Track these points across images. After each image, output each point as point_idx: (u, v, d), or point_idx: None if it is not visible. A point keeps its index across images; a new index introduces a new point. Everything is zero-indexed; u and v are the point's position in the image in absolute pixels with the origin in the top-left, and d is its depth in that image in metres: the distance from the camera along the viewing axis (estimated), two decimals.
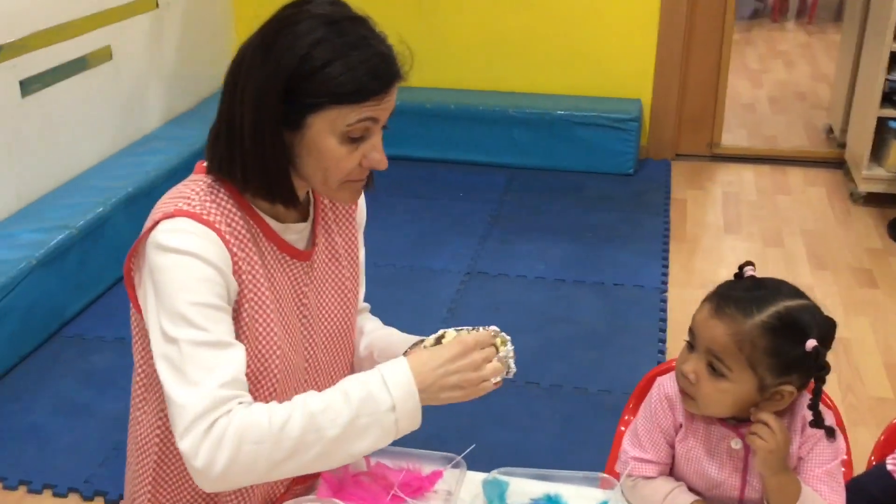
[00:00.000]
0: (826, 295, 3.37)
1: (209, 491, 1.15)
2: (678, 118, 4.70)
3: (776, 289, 1.35)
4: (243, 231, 1.23)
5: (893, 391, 2.77)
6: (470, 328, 1.33)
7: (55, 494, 2.38)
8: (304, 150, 1.20)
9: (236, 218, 1.23)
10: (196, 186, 1.23)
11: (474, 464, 1.47)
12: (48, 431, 2.60)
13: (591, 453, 1.52)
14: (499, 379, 1.27)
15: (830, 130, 4.98)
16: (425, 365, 1.18)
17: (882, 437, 1.66)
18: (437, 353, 1.20)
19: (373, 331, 1.53)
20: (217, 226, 1.19)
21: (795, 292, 1.36)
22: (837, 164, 4.62)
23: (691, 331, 1.35)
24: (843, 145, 4.64)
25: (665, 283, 3.45)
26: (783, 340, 1.29)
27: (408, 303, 3.11)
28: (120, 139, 3.90)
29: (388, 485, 1.46)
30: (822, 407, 1.39)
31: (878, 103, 3.95)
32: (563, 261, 3.62)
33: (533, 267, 3.57)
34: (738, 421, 1.37)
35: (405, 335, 1.48)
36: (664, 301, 3.31)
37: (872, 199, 4.13)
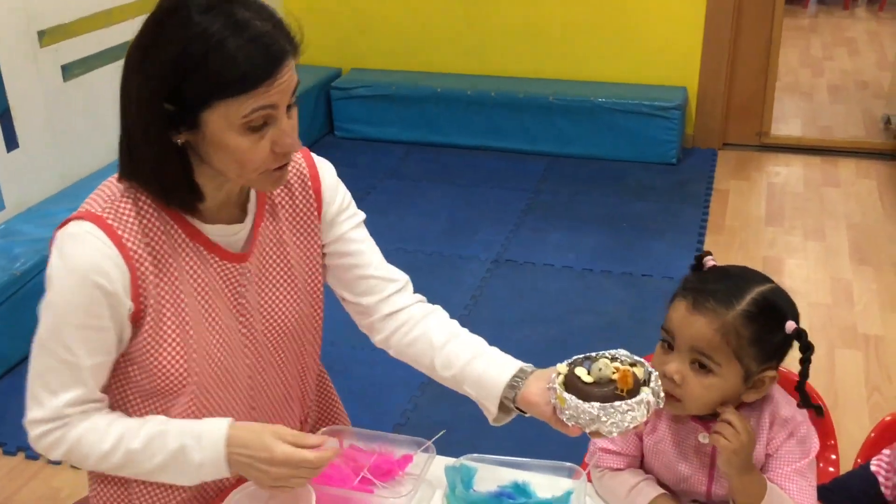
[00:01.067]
0: (864, 291, 3.26)
1: None
2: (726, 106, 4.59)
3: (745, 276, 1.33)
4: (158, 233, 1.21)
5: None
6: (599, 355, 1.26)
7: (5, 453, 2.50)
8: (210, 148, 1.15)
9: (152, 219, 1.21)
10: (113, 189, 1.21)
11: (450, 450, 1.48)
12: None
13: (559, 450, 1.51)
14: (653, 410, 1.22)
15: (888, 121, 4.79)
16: (240, 450, 1.24)
17: (872, 435, 1.61)
18: (253, 442, 1.23)
19: (447, 343, 1.41)
20: (119, 232, 1.17)
21: (762, 277, 1.34)
22: (893, 155, 4.45)
23: (668, 331, 1.32)
24: None
25: None
26: (765, 326, 1.27)
27: (430, 290, 3.07)
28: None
29: (359, 467, 1.48)
30: (784, 394, 1.36)
31: None
32: (594, 251, 3.59)
33: (562, 256, 3.54)
34: (708, 416, 1.35)
35: (496, 361, 1.37)
36: None
37: None
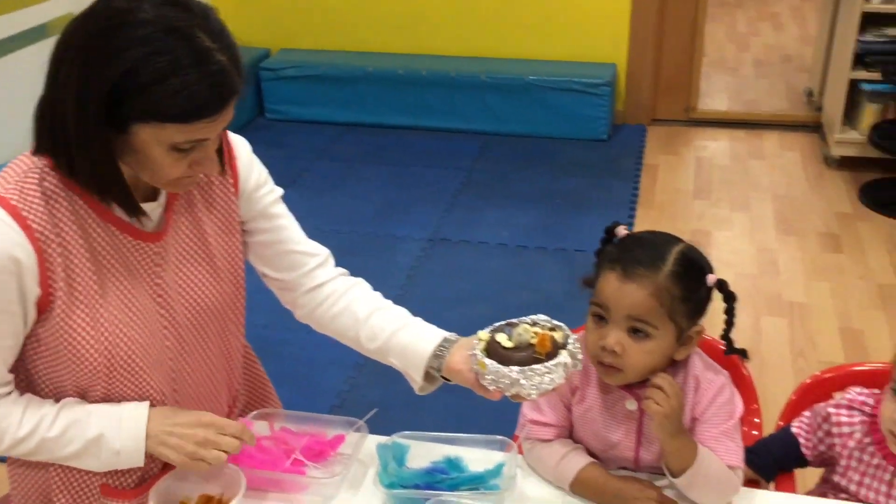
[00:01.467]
0: (789, 260, 3.35)
1: None
2: (654, 83, 4.65)
3: (659, 239, 1.37)
4: (67, 215, 1.18)
5: (845, 356, 2.76)
6: (519, 321, 1.30)
7: None
8: (129, 150, 1.13)
9: (60, 200, 1.18)
10: (21, 167, 1.18)
11: (384, 428, 1.48)
12: None
13: (490, 424, 1.53)
14: (571, 372, 1.25)
15: (810, 94, 4.92)
16: (159, 422, 1.26)
17: (793, 398, 1.66)
18: (174, 412, 1.29)
19: (371, 315, 1.42)
20: (25, 214, 1.14)
21: (673, 237, 1.38)
22: (815, 127, 4.57)
23: (600, 304, 1.34)
24: (820, 108, 4.59)
25: None
26: (690, 283, 1.32)
27: (365, 271, 3.06)
28: None
29: (290, 449, 1.47)
30: (706, 359, 1.40)
31: (851, 65, 3.90)
32: (528, 228, 3.61)
33: (497, 234, 3.56)
34: (633, 382, 1.37)
35: (421, 332, 1.39)
36: None
37: (846, 163, 4.10)
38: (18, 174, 1.17)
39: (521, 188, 3.98)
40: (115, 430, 1.24)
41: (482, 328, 1.33)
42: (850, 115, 4.06)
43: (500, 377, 1.24)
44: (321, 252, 1.47)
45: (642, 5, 4.46)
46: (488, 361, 1.25)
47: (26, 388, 1.29)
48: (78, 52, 1.08)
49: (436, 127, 4.56)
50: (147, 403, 1.27)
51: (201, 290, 1.35)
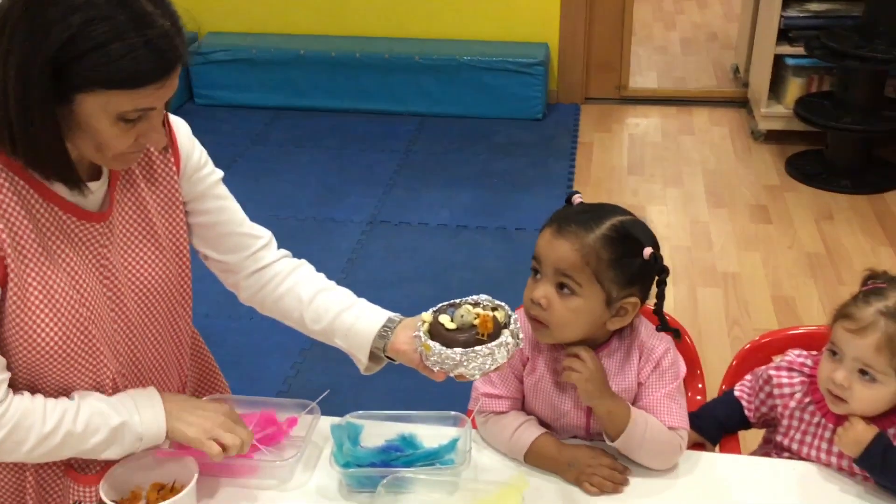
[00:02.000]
0: (720, 232, 3.45)
1: None
2: (586, 62, 4.71)
3: (606, 208, 1.40)
4: (10, 195, 1.16)
5: (778, 322, 2.86)
6: (461, 301, 1.31)
7: None
8: (74, 124, 1.11)
9: (2, 181, 1.16)
10: None
11: (335, 410, 1.48)
12: None
13: (443, 400, 1.54)
14: (513, 353, 1.27)
15: (737, 70, 5.03)
16: (177, 400, 1.33)
17: (734, 363, 1.71)
18: (190, 399, 1.35)
19: (315, 296, 1.43)
20: None
21: (623, 210, 1.40)
22: (742, 103, 4.69)
23: (536, 258, 1.37)
24: (747, 84, 4.71)
25: None
26: (623, 251, 1.34)
27: (306, 255, 3.03)
28: None
29: None
30: (650, 327, 1.44)
31: (775, 40, 4.00)
32: (468, 207, 3.63)
33: (436, 214, 3.57)
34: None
35: (365, 312, 1.41)
36: None
37: (772, 137, 4.21)
38: None
39: (459, 169, 3.99)
40: (135, 416, 1.27)
41: (425, 309, 1.34)
42: (775, 89, 4.17)
43: (444, 359, 1.25)
44: (264, 234, 1.47)
45: None
46: (432, 343, 1.26)
47: None
48: (15, 24, 1.06)
49: (371, 109, 4.54)
50: (153, 388, 1.31)
51: (147, 270, 1.33)
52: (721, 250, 3.28)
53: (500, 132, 4.36)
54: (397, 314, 1.41)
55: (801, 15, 3.97)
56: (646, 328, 1.44)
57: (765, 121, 4.19)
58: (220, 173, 1.43)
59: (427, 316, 1.31)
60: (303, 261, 1.49)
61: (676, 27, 6.30)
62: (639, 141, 4.35)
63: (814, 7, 3.96)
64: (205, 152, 1.42)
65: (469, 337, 1.26)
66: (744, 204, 3.67)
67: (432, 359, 1.27)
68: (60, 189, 1.20)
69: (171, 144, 1.34)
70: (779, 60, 4.08)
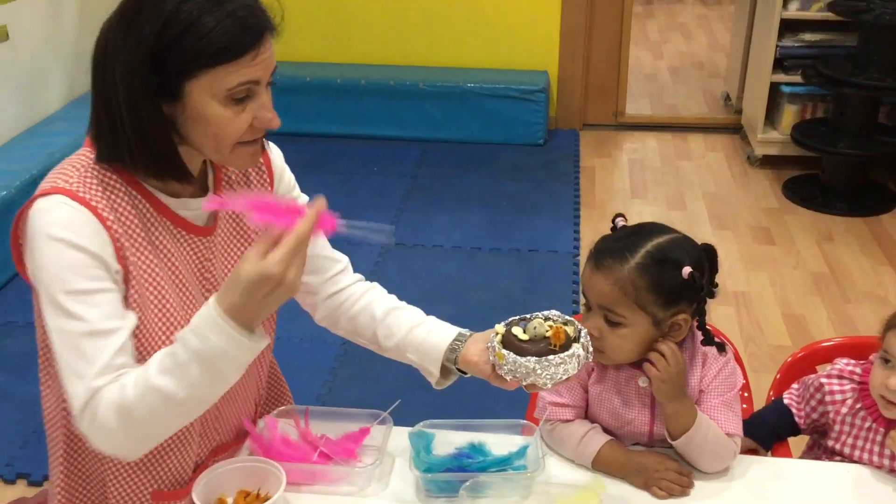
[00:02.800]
0: (727, 253, 3.54)
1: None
2: (584, 89, 4.83)
3: (645, 231, 1.46)
4: (127, 207, 1.21)
5: (791, 339, 2.95)
6: (533, 316, 1.35)
7: None
8: (189, 120, 1.16)
9: (120, 194, 1.21)
10: (79, 162, 1.20)
11: (399, 420, 1.52)
12: None
13: (511, 406, 1.60)
14: (583, 364, 1.31)
15: (728, 98, 5.18)
16: (227, 291, 1.14)
17: (778, 376, 1.79)
18: (236, 275, 1.12)
19: (387, 314, 1.47)
20: (93, 203, 1.17)
21: (663, 229, 1.47)
22: (735, 129, 4.83)
23: (583, 293, 1.45)
24: (739, 111, 4.85)
25: (577, 247, 3.58)
26: (659, 275, 1.39)
27: None
28: (21, 121, 3.79)
29: (316, 443, 1.50)
30: (720, 340, 1.51)
31: (771, 69, 4.15)
32: (479, 230, 3.70)
33: (449, 236, 3.64)
34: (644, 361, 1.47)
35: (436, 327, 1.44)
36: (577, 265, 3.43)
37: (768, 162, 4.34)
38: (80, 168, 1.20)
39: (467, 192, 4.07)
40: (196, 333, 1.14)
41: (473, 329, 1.40)
42: (770, 116, 4.31)
43: (518, 367, 1.30)
44: (343, 259, 1.53)
45: (571, 15, 4.63)
46: (506, 352, 1.31)
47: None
48: (115, 35, 1.14)
49: (376, 135, 4.61)
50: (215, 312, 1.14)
51: None
52: (729, 270, 3.37)
53: (504, 157, 4.45)
54: (467, 329, 1.46)
55: (796, 45, 4.12)
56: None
57: (761, 146, 4.32)
58: (305, 198, 1.49)
59: (500, 328, 1.36)
60: (375, 283, 1.55)
61: (664, 56, 6.47)
62: (639, 165, 4.46)
63: (808, 37, 4.11)
64: (293, 177, 1.48)
65: (542, 347, 1.31)
66: (746, 226, 3.78)
67: (506, 367, 1.31)
68: (170, 202, 1.26)
69: (265, 164, 1.40)
70: (774, 88, 4.22)
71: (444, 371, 1.45)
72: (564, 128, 4.83)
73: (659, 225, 1.49)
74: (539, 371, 1.30)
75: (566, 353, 1.30)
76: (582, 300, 1.46)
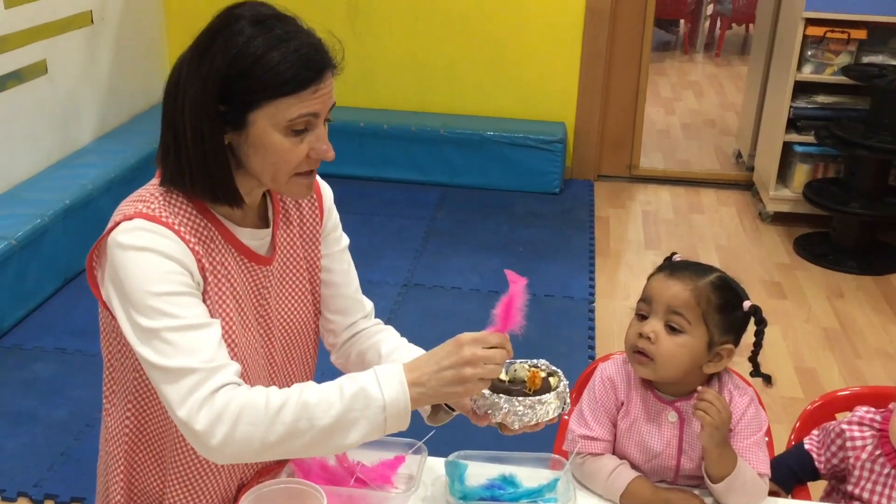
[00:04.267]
0: None
1: (209, 458, 1.22)
2: (600, 141, 4.94)
3: (706, 265, 1.56)
4: (203, 232, 1.28)
5: (803, 391, 3.00)
6: (521, 361, 1.40)
7: (4, 499, 2.38)
8: (251, 149, 1.23)
9: (194, 219, 1.27)
10: (155, 191, 1.27)
11: (432, 450, 1.57)
12: None
13: (537, 440, 1.65)
14: (555, 415, 1.35)
15: (739, 155, 5.29)
16: (420, 368, 1.25)
17: (798, 424, 1.84)
18: (431, 353, 1.27)
19: (392, 352, 1.51)
20: (176, 227, 1.23)
21: (719, 269, 1.57)
22: (746, 185, 4.92)
23: (644, 300, 1.51)
24: (751, 168, 4.95)
25: (592, 294, 3.64)
26: (728, 300, 1.50)
27: None
28: (54, 152, 3.89)
29: (352, 469, 1.55)
30: (735, 377, 1.57)
31: (784, 129, 4.25)
32: (496, 274, 3.74)
33: (467, 279, 3.71)
34: (673, 396, 1.53)
35: None
36: (592, 311, 3.50)
37: (779, 218, 4.43)
38: (157, 196, 1.27)
39: (484, 237, 4.15)
40: (373, 381, 1.21)
41: None
42: (783, 174, 4.41)
43: (490, 404, 1.35)
44: (369, 304, 1.61)
45: (590, 69, 4.76)
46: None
47: (131, 391, 1.34)
48: (189, 64, 1.22)
49: (396, 178, 4.71)
50: (399, 363, 1.26)
51: (295, 316, 1.45)
52: None
53: (520, 204, 4.54)
54: None
55: (810, 106, 4.23)
56: (731, 376, 1.58)
57: (772, 203, 4.41)
58: (347, 239, 1.57)
59: None
60: (389, 326, 1.62)
61: (676, 112, 6.61)
62: (652, 217, 4.55)
63: (821, 99, 4.22)
64: (338, 217, 1.55)
65: (516, 389, 1.36)
66: (758, 280, 3.85)
67: (479, 402, 1.36)
68: (238, 231, 1.33)
69: (317, 199, 1.48)
70: (786, 147, 4.32)
71: (435, 408, 1.50)
72: (580, 178, 4.93)
73: (711, 265, 1.57)
74: (506, 409, 1.34)
75: (536, 398, 1.35)
76: (638, 309, 1.51)
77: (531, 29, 4.70)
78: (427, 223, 4.27)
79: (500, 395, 1.34)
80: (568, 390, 1.39)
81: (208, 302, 1.28)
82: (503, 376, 1.37)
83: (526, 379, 1.37)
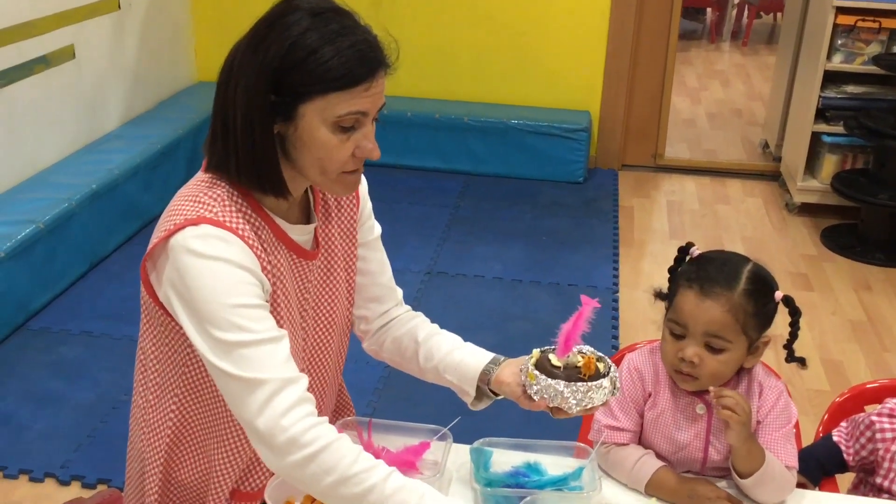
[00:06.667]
0: None
1: (269, 466, 1.24)
2: (624, 130, 4.91)
3: (731, 259, 1.52)
4: (260, 232, 1.28)
5: (829, 384, 2.97)
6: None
7: (32, 479, 2.41)
8: (299, 142, 1.22)
9: (252, 219, 1.27)
10: (209, 189, 1.26)
11: (456, 437, 1.57)
12: (20, 420, 2.63)
13: (563, 429, 1.64)
14: (608, 398, 1.38)
15: (766, 145, 5.24)
16: None
17: (826, 416, 1.83)
18: None
19: (429, 338, 1.53)
20: (240, 232, 1.23)
21: (742, 256, 1.53)
22: (773, 176, 4.87)
23: (677, 322, 1.48)
24: (778, 159, 4.90)
25: (616, 283, 3.63)
26: (761, 299, 1.47)
27: None
28: (81, 137, 3.92)
29: (377, 454, 1.56)
30: (764, 368, 1.56)
31: (813, 119, 4.20)
32: (520, 262, 3.76)
33: (491, 267, 3.70)
34: (705, 392, 1.52)
35: (473, 351, 1.51)
36: (616, 301, 3.48)
37: (806, 209, 4.38)
38: (216, 198, 1.25)
39: (508, 225, 4.14)
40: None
41: (508, 355, 1.46)
42: (810, 165, 4.36)
43: (547, 388, 1.36)
44: (399, 292, 1.61)
45: (616, 58, 4.72)
46: (537, 373, 1.38)
47: (178, 387, 1.35)
48: (243, 53, 1.22)
49: (419, 166, 4.71)
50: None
51: (333, 310, 1.45)
52: None
53: (544, 193, 4.52)
54: (502, 355, 1.52)
55: (839, 96, 4.17)
56: (762, 368, 1.57)
57: (800, 194, 4.36)
58: (380, 228, 1.57)
59: (536, 352, 1.43)
60: (420, 313, 1.62)
61: (702, 102, 6.54)
62: (677, 207, 4.52)
63: (850, 89, 4.17)
64: (371, 206, 1.55)
65: (572, 374, 1.38)
66: (784, 272, 3.82)
67: (535, 387, 1.37)
68: (287, 227, 1.32)
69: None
70: (815, 137, 4.27)
71: (479, 393, 1.51)
72: (604, 167, 4.91)
73: (733, 252, 1.54)
74: (566, 395, 1.36)
75: (594, 382, 1.36)
76: (671, 328, 1.49)
77: (556, 17, 4.67)
78: (450, 211, 4.27)
79: (559, 381, 1.35)
80: (618, 374, 1.41)
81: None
82: (556, 361, 1.38)
83: (579, 365, 1.38)
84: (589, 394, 1.36)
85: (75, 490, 2.36)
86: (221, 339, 1.19)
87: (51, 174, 3.57)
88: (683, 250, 1.56)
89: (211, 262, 1.19)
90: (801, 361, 1.54)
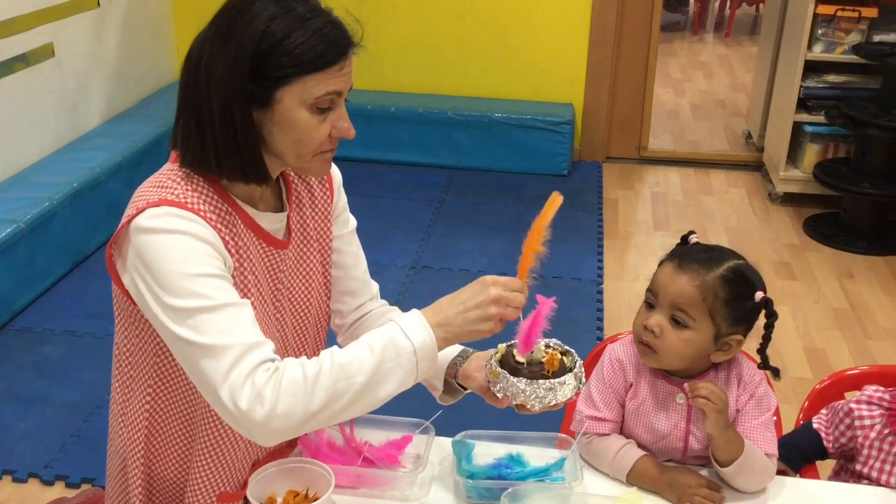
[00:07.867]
0: None
1: (253, 439, 1.21)
2: (608, 122, 4.92)
3: (723, 251, 1.54)
4: (226, 217, 1.28)
5: (812, 372, 2.99)
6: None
7: (15, 480, 2.40)
8: (277, 126, 1.23)
9: (218, 205, 1.27)
10: (175, 176, 1.26)
11: (438, 430, 1.57)
12: (3, 420, 2.61)
13: (545, 420, 1.65)
14: (573, 394, 1.37)
15: (749, 136, 5.26)
16: (443, 311, 1.28)
17: (806, 403, 1.84)
18: (453, 296, 1.30)
19: None
20: (202, 214, 1.23)
21: (737, 255, 1.54)
22: (756, 166, 4.89)
23: (651, 291, 1.50)
24: (761, 149, 4.92)
25: (601, 276, 3.64)
26: (737, 292, 1.46)
27: None
28: (62, 135, 3.90)
29: (360, 448, 1.56)
30: (746, 359, 1.56)
31: (794, 109, 4.22)
32: (504, 256, 3.76)
33: (475, 261, 3.70)
34: (682, 378, 1.53)
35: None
36: (600, 293, 3.49)
37: (789, 199, 4.40)
38: (179, 181, 1.26)
39: (492, 219, 4.14)
40: (398, 332, 1.23)
41: (475, 347, 1.45)
42: (792, 155, 4.38)
43: (509, 386, 1.36)
44: (375, 286, 1.61)
45: (598, 51, 4.73)
46: (500, 370, 1.37)
47: (150, 378, 1.34)
48: (212, 45, 1.22)
49: (403, 161, 4.70)
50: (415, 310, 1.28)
51: (307, 299, 1.45)
52: None
53: (528, 186, 4.52)
54: (470, 348, 1.52)
55: (820, 86, 4.19)
56: (744, 359, 1.57)
57: (782, 184, 4.38)
58: (355, 221, 1.57)
59: (501, 347, 1.43)
60: (395, 307, 1.62)
61: (685, 94, 6.56)
62: (661, 199, 4.53)
63: (832, 78, 4.19)
64: (346, 199, 1.55)
65: (535, 371, 1.37)
66: (767, 261, 3.84)
67: (498, 385, 1.37)
68: (257, 216, 1.32)
69: (328, 181, 1.48)
70: (796, 127, 4.29)
71: (448, 387, 1.51)
72: (588, 160, 4.91)
73: (730, 249, 1.55)
74: (528, 393, 1.35)
75: (556, 380, 1.36)
76: (646, 298, 1.50)
77: (539, 10, 4.67)
78: (435, 205, 4.27)
79: (521, 378, 1.35)
80: (583, 369, 1.40)
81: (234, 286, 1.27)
82: (520, 357, 1.38)
83: (543, 361, 1.37)
84: (551, 392, 1.35)
85: (59, 490, 2.36)
86: (179, 307, 1.17)
87: (32, 173, 3.55)
88: (684, 238, 1.57)
89: (168, 235, 1.19)
90: (775, 372, 1.53)
